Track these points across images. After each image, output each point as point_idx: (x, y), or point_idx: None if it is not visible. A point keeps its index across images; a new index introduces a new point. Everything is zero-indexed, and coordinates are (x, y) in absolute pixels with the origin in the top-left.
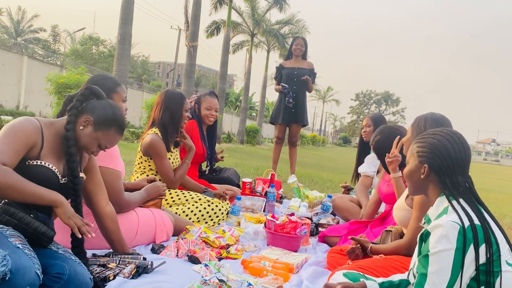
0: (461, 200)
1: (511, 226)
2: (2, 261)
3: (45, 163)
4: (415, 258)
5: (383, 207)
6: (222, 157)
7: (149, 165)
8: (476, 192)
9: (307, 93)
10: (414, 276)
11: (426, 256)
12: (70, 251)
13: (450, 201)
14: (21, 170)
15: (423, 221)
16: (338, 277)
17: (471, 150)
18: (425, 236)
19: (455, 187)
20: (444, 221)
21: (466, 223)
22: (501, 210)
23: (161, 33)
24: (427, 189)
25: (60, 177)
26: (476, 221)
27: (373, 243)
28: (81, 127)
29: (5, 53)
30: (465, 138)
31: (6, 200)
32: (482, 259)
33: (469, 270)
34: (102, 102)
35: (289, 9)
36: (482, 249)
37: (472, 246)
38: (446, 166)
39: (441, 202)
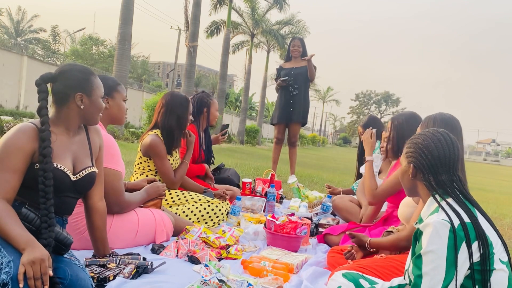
0: (449, 199)
1: (511, 226)
2: (5, 267)
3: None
4: (410, 259)
5: (384, 207)
6: (223, 135)
7: (149, 166)
8: (466, 190)
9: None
10: (410, 278)
11: (420, 256)
12: (75, 255)
13: (436, 200)
14: (33, 176)
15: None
16: (337, 277)
17: (460, 150)
18: (419, 236)
19: (439, 185)
20: (435, 219)
21: (456, 221)
22: (501, 210)
23: (161, 33)
24: (417, 189)
25: (71, 175)
26: (467, 219)
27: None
28: (82, 106)
29: (5, 53)
30: (452, 137)
31: (26, 205)
32: (476, 257)
33: (463, 268)
34: (63, 77)
35: (289, 9)
36: (475, 246)
37: (464, 244)
38: (429, 164)
39: (432, 202)
